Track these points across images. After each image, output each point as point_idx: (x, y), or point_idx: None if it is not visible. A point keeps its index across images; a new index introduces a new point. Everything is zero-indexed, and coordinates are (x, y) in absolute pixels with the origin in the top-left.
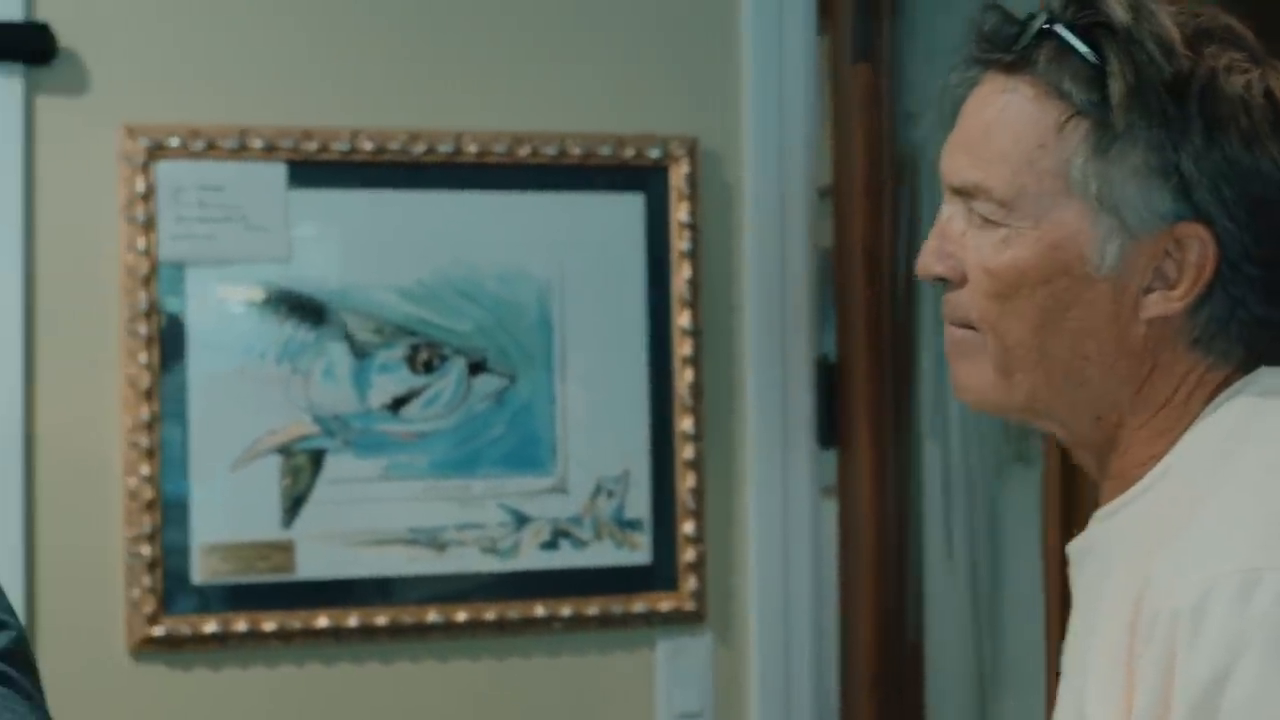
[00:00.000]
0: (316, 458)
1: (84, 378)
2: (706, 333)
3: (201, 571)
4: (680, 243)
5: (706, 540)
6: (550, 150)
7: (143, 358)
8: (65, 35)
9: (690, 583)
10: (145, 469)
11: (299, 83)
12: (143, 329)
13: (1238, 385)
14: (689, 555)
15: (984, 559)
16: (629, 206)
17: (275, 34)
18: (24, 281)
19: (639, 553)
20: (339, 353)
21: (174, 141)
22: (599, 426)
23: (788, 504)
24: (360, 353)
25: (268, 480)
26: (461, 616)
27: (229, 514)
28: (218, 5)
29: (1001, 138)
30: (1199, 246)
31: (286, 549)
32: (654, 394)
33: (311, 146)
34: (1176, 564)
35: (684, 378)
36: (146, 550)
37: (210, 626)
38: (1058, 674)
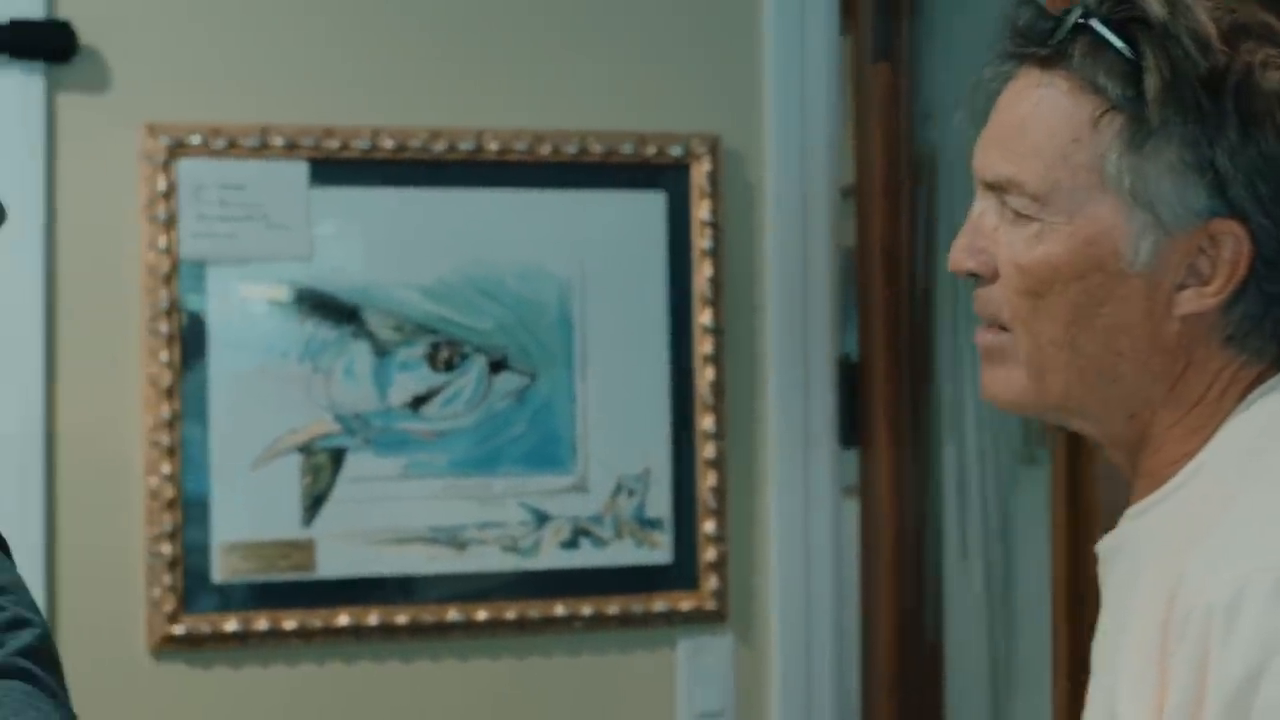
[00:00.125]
0: (337, 456)
1: (105, 376)
2: (728, 331)
3: (222, 570)
4: (702, 241)
5: (728, 539)
6: (571, 148)
7: (164, 356)
8: (86, 33)
9: (711, 582)
10: (166, 468)
11: (320, 81)
12: (164, 327)
13: (1271, 382)
14: (710, 554)
15: (998, 559)
16: (650, 205)
17: (296, 32)
18: (45, 280)
19: (660, 552)
20: (360, 351)
21: (195, 139)
22: (620, 425)
23: (809, 503)
24: (381, 351)
25: (288, 479)
26: (482, 615)
27: (249, 513)
28: (239, 3)
29: (1036, 132)
30: (1233, 243)
31: (307, 548)
32: (675, 393)
33: (333, 145)
34: (1209, 561)
35: (705, 376)
36: (167, 549)
37: (231, 625)
38: (1064, 672)
